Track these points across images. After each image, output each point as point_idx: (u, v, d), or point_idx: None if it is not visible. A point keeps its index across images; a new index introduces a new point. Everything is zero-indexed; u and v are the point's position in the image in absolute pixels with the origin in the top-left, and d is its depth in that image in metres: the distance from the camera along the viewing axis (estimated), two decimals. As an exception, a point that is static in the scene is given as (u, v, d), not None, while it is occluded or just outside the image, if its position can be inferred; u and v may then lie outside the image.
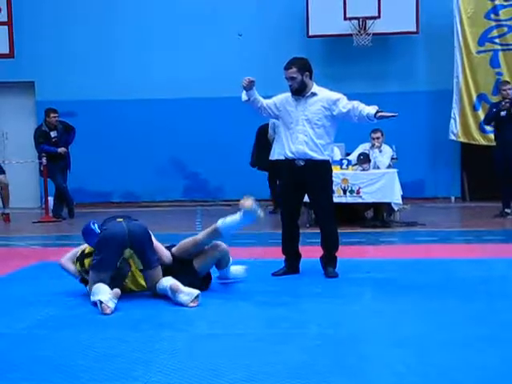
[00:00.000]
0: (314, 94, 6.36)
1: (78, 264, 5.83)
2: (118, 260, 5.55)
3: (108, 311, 5.18)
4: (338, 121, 6.43)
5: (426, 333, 4.60)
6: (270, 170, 11.69)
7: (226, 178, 13.32)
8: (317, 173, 6.36)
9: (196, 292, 5.39)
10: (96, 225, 5.82)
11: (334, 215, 6.60)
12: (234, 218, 5.84)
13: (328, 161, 6.47)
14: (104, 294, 5.26)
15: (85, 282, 5.76)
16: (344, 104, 6.33)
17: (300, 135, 6.31)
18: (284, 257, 6.64)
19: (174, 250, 5.91)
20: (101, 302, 5.20)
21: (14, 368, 4.06)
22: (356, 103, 6.35)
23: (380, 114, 6.21)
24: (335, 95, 6.40)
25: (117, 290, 5.33)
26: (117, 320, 5.09)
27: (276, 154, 10.96)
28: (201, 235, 5.93)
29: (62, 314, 5.34)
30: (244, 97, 6.44)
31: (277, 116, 6.53)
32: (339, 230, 6.70)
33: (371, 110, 6.27)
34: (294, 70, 6.28)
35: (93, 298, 5.37)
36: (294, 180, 6.41)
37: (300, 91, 6.33)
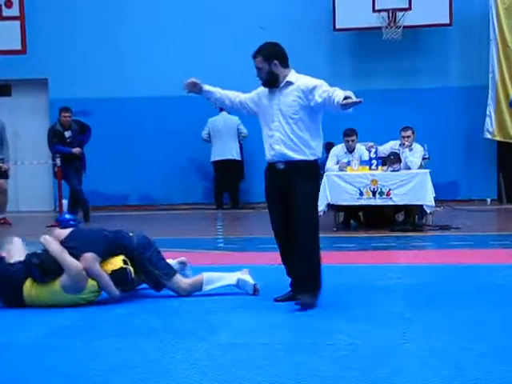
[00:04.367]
0: (289, 84, 5.64)
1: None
2: None
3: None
4: (320, 113, 5.70)
5: (461, 343, 4.55)
6: None
7: (249, 180, 13.32)
8: (297, 176, 5.55)
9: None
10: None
11: (315, 230, 5.63)
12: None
13: (312, 162, 5.64)
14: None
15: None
16: (320, 92, 5.51)
17: (276, 133, 5.61)
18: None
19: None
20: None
21: (27, 378, 4.08)
22: (331, 90, 5.48)
23: (344, 101, 5.31)
24: (312, 82, 5.62)
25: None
26: (135, 329, 5.10)
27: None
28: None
29: (76, 322, 5.36)
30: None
31: (255, 113, 5.83)
32: (368, 234, 6.66)
33: (340, 97, 5.37)
34: (260, 59, 5.66)
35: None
36: (276, 187, 5.69)
37: (271, 83, 5.66)
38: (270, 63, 5.64)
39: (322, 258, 5.71)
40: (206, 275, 6.05)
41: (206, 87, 5.91)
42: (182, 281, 6.02)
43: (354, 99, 5.35)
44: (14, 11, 13.63)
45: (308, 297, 5.50)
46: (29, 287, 5.72)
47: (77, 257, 5.68)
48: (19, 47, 13.57)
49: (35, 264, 5.66)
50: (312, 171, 5.67)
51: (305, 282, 5.56)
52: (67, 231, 6.02)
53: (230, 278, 6.08)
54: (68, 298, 5.70)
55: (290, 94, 5.60)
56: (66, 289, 5.67)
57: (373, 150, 10.08)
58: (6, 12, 13.70)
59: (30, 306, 5.73)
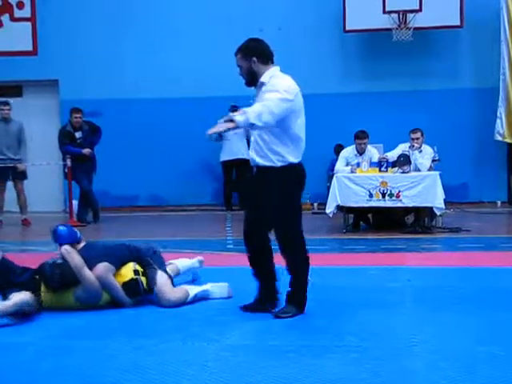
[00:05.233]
0: (262, 84, 5.31)
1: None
2: None
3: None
4: (286, 118, 5.24)
5: (471, 346, 4.55)
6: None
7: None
8: (262, 183, 5.35)
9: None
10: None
11: (294, 233, 5.42)
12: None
13: (280, 168, 5.29)
14: None
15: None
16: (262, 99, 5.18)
17: (253, 137, 5.43)
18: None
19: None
20: None
21: (40, 378, 4.11)
22: (257, 105, 5.12)
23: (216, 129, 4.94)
24: (272, 86, 5.23)
25: None
26: (145, 330, 5.13)
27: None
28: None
29: (87, 323, 5.39)
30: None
31: None
32: (378, 236, 6.66)
33: (240, 116, 4.99)
34: (239, 56, 5.35)
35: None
36: (247, 190, 5.60)
37: (250, 82, 5.36)
38: (250, 60, 5.30)
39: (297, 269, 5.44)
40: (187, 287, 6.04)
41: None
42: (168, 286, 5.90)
43: (227, 126, 4.95)
44: (26, 12, 13.73)
45: (288, 307, 5.38)
46: (44, 294, 5.75)
47: (91, 267, 5.72)
48: (30, 48, 13.68)
49: (57, 273, 5.69)
50: (279, 179, 5.29)
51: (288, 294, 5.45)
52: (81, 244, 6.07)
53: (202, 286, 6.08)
54: (79, 307, 5.74)
55: (261, 96, 5.27)
56: (80, 300, 5.71)
57: (384, 164, 10.07)
58: (17, 13, 13.80)
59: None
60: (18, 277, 5.72)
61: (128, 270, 5.86)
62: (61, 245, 5.90)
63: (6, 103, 12.27)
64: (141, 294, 5.87)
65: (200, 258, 6.65)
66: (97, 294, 5.71)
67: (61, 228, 6.07)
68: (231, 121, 4.99)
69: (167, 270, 6.09)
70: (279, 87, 5.18)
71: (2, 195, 12.09)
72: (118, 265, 5.86)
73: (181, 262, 6.46)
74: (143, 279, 5.86)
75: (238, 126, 5.02)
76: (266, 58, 5.34)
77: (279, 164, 5.29)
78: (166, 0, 13.81)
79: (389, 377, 4.00)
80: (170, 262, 6.36)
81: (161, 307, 5.74)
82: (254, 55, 5.30)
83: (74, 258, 5.73)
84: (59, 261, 5.77)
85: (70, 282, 5.68)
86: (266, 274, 5.51)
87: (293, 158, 5.34)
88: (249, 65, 5.30)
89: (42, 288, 5.71)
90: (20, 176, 12.14)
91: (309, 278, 5.47)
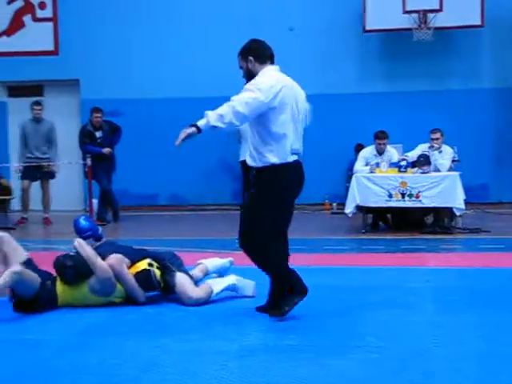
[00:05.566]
0: None
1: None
2: None
3: None
4: (264, 116, 5.16)
5: (491, 347, 4.52)
6: None
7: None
8: (247, 181, 5.45)
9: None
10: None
11: (259, 241, 5.25)
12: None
13: (262, 168, 5.21)
14: None
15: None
16: None
17: None
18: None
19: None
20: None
21: (59, 376, 4.13)
22: (229, 102, 5.15)
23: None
24: (248, 84, 5.25)
25: None
26: (164, 329, 5.13)
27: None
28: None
29: (107, 321, 5.41)
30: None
31: None
32: (397, 236, 6.62)
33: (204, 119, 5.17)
34: (240, 57, 5.37)
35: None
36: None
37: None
38: (247, 61, 5.33)
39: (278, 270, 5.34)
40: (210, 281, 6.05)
41: None
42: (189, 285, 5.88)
43: (188, 132, 5.13)
44: (48, 12, 13.80)
45: (281, 309, 5.26)
46: (61, 289, 5.78)
47: (105, 259, 5.75)
48: (52, 48, 13.74)
49: (69, 266, 5.72)
50: (260, 179, 5.23)
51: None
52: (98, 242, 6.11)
53: (227, 280, 6.07)
54: (95, 301, 5.76)
55: None
56: (94, 291, 5.72)
57: (404, 162, 10.03)
58: (39, 13, 13.89)
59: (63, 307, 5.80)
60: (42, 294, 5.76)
61: (142, 263, 5.88)
62: (80, 236, 5.94)
63: (38, 103, 12.39)
64: (154, 286, 5.84)
65: (231, 258, 6.55)
66: (111, 284, 5.72)
67: (81, 219, 6.12)
68: (193, 126, 5.09)
69: (196, 269, 6.10)
70: (253, 85, 5.14)
71: (27, 193, 12.19)
72: (133, 260, 5.89)
73: (211, 262, 6.41)
74: (157, 272, 5.84)
75: (200, 131, 5.12)
76: (264, 57, 5.32)
77: (260, 164, 5.22)
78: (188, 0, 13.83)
79: (409, 378, 3.98)
80: (200, 261, 6.36)
81: (183, 306, 5.74)
82: (251, 55, 5.32)
83: (86, 249, 5.77)
84: (72, 253, 5.82)
85: (84, 273, 5.70)
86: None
87: (275, 159, 5.17)
88: (246, 64, 5.33)
89: (58, 283, 5.75)
90: (46, 175, 12.24)
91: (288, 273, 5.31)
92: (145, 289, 5.82)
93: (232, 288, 5.99)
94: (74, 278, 5.72)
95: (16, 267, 5.51)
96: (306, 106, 5.43)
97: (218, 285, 5.96)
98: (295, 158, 5.27)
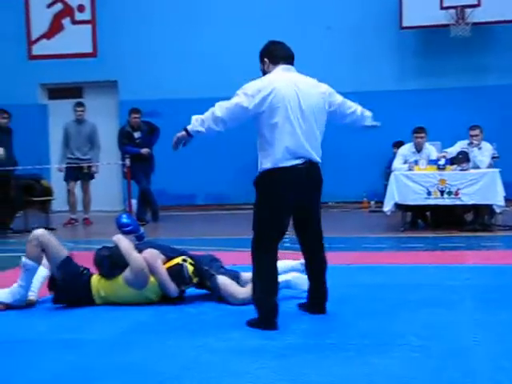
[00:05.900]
0: None
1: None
2: None
3: None
4: (256, 121, 5.18)
5: (535, 346, 4.48)
6: None
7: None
8: None
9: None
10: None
11: (254, 246, 5.22)
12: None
13: (261, 174, 5.22)
14: None
15: None
16: None
17: None
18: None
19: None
20: None
21: (103, 375, 4.17)
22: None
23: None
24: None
25: None
26: (205, 328, 5.15)
27: None
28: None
29: (149, 320, 5.45)
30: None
31: None
32: (436, 234, 6.58)
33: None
34: (259, 59, 5.31)
35: None
36: None
37: None
38: (263, 63, 5.27)
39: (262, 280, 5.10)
40: None
41: None
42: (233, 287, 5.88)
43: (178, 137, 5.21)
44: (86, 15, 13.98)
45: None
46: (96, 282, 5.88)
47: (141, 253, 5.84)
48: (90, 50, 13.91)
49: (105, 256, 5.82)
50: (258, 184, 5.23)
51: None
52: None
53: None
54: (131, 294, 5.82)
55: None
56: (128, 283, 5.80)
57: (442, 160, 9.95)
58: (78, 16, 14.06)
59: (99, 304, 5.87)
60: (79, 275, 5.86)
61: (177, 259, 5.91)
62: (121, 231, 6.03)
63: (81, 104, 12.56)
64: (186, 282, 5.84)
65: (302, 260, 6.40)
66: (144, 276, 5.76)
67: (123, 215, 6.21)
68: (185, 129, 5.12)
69: None
70: (241, 90, 5.08)
71: (73, 194, 12.35)
72: (169, 257, 5.94)
73: (280, 263, 6.29)
74: (190, 267, 5.85)
75: (190, 135, 5.13)
76: (277, 58, 5.19)
77: (260, 170, 5.19)
78: (225, 1, 13.86)
79: (452, 376, 3.95)
80: None
81: (224, 305, 5.76)
82: (266, 56, 5.25)
83: (124, 242, 5.87)
84: (109, 245, 5.91)
85: (119, 264, 5.79)
86: (311, 275, 5.42)
87: (268, 164, 5.05)
88: (262, 66, 5.28)
89: (94, 276, 5.85)
90: (86, 176, 12.39)
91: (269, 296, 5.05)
92: (177, 283, 5.84)
93: (286, 285, 5.85)
94: (110, 270, 5.82)
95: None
96: (320, 103, 5.13)
97: None
98: (296, 162, 4.99)
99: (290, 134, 4.98)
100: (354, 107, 5.44)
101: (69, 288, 5.79)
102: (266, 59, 5.23)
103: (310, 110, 5.04)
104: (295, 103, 5.00)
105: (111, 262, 5.82)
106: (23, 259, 5.81)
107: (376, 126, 5.64)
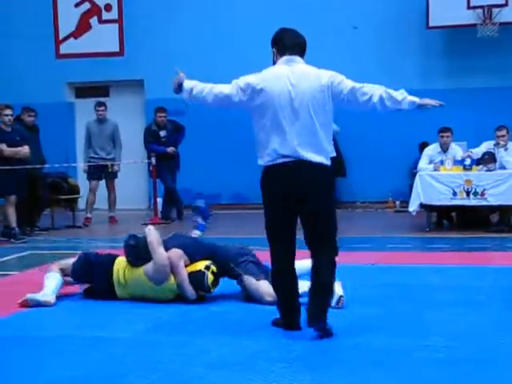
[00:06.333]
0: None
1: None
2: None
3: None
4: (252, 116, 5.09)
5: (562, 348, 4.44)
6: None
7: (349, 177, 13.12)
8: None
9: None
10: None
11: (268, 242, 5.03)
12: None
13: (263, 169, 4.98)
14: None
15: None
16: None
17: None
18: None
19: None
20: None
21: (130, 372, 4.19)
22: None
23: None
24: None
25: None
26: (231, 326, 5.17)
27: None
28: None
29: (174, 319, 5.47)
30: None
31: None
32: (462, 235, 6.53)
33: None
34: (271, 49, 5.20)
35: None
36: None
37: None
38: (272, 52, 5.15)
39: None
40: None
41: None
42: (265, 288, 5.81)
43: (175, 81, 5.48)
44: (113, 14, 14.05)
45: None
46: (120, 263, 5.97)
47: (167, 251, 5.88)
48: (117, 49, 13.98)
49: (132, 245, 5.88)
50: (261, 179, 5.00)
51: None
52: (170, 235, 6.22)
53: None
54: (148, 287, 5.86)
55: None
56: (148, 275, 5.85)
57: (468, 160, 9.88)
58: (105, 16, 14.14)
59: (120, 299, 5.93)
60: (99, 265, 6.00)
61: (201, 264, 5.90)
62: (196, 208, 6.17)
63: (102, 104, 12.59)
64: (204, 289, 5.83)
65: None
66: (164, 273, 5.80)
67: (199, 201, 6.33)
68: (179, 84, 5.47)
69: None
70: (237, 80, 5.13)
71: (93, 193, 12.41)
72: (194, 259, 5.94)
73: (300, 263, 6.22)
74: (210, 277, 5.81)
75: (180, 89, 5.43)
76: (284, 48, 5.03)
77: (261, 164, 5.00)
78: (251, 2, 13.86)
79: (477, 377, 3.93)
80: None
81: (249, 304, 5.77)
82: (274, 47, 5.14)
83: (152, 236, 5.92)
84: (137, 235, 6.02)
85: (142, 256, 5.86)
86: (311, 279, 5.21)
87: (260, 161, 4.95)
88: (273, 58, 5.14)
89: (117, 261, 5.95)
90: (111, 175, 12.45)
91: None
92: (196, 289, 5.85)
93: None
94: (135, 258, 5.87)
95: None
96: (318, 97, 4.88)
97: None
98: (284, 160, 4.81)
99: (279, 136, 4.84)
100: (370, 94, 4.98)
101: (94, 262, 5.99)
102: (274, 50, 5.12)
103: (305, 107, 4.84)
104: (286, 102, 4.84)
105: (136, 252, 5.88)
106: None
107: (437, 106, 5.33)
